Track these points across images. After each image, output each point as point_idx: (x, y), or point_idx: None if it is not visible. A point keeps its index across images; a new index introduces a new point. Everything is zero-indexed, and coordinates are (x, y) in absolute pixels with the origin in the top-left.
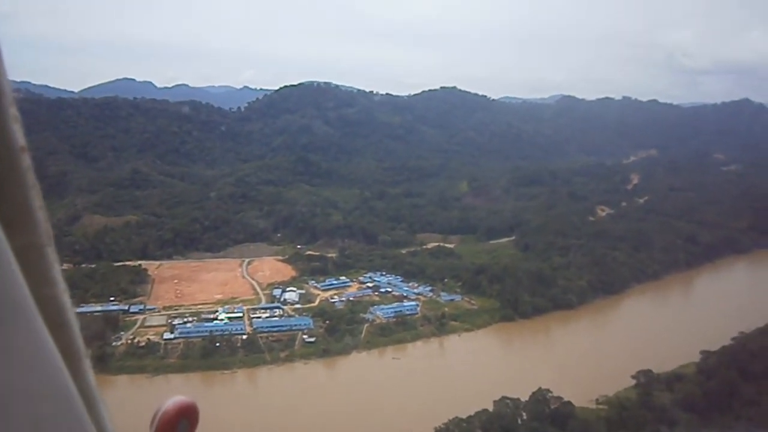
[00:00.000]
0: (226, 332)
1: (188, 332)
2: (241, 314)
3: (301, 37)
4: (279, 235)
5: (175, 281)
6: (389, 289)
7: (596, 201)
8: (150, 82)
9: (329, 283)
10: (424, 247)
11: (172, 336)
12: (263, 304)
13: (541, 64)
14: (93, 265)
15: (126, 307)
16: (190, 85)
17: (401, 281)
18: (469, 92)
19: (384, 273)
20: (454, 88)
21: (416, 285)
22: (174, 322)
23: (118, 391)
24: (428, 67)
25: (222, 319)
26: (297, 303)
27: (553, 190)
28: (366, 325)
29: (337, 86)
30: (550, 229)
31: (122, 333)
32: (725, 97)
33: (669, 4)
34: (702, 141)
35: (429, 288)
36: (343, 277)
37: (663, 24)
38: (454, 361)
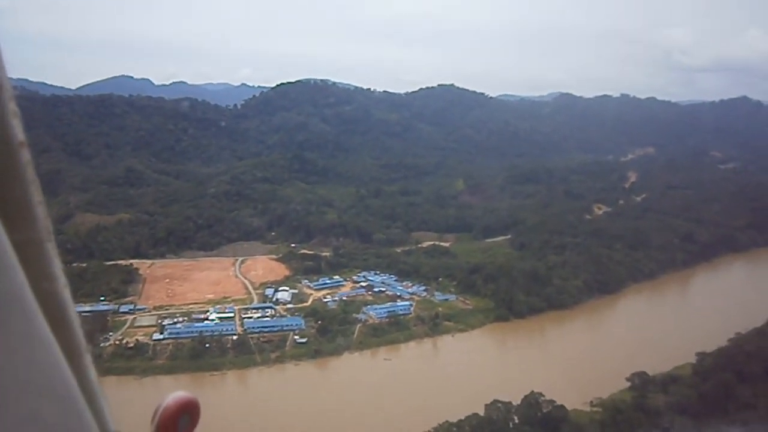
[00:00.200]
0: (217, 333)
1: (178, 333)
2: (232, 314)
3: (300, 35)
4: (273, 233)
5: (167, 280)
6: (383, 289)
7: (593, 199)
8: (147, 80)
9: (322, 282)
10: (419, 245)
11: (161, 336)
12: (255, 303)
13: (540, 61)
14: (84, 264)
15: (116, 307)
16: (188, 82)
17: (395, 280)
18: (467, 90)
19: (378, 272)
20: (452, 85)
21: (410, 284)
22: (164, 323)
23: (105, 393)
24: (426, 65)
25: (213, 320)
26: (289, 303)
27: (549, 188)
28: (359, 326)
29: (334, 83)
30: (546, 227)
31: (111, 333)
32: (723, 95)
33: (667, 3)
34: (700, 139)
35: (423, 287)
36: (337, 277)
37: (661, 22)
38: (446, 363)
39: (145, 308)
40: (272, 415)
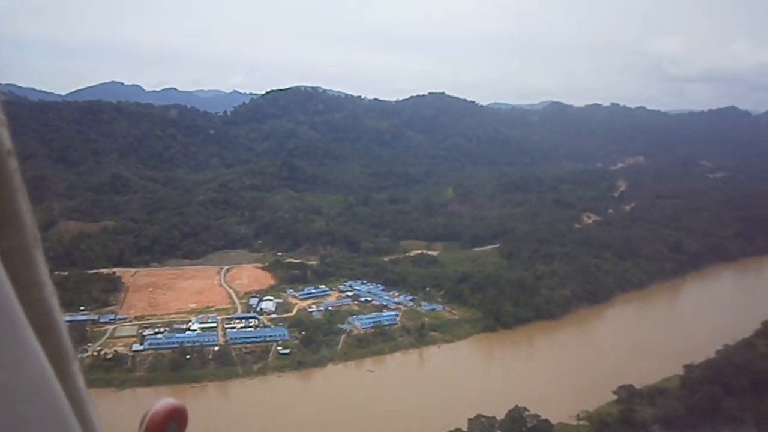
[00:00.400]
0: (198, 343)
1: (158, 343)
2: (214, 324)
3: (293, 42)
4: (260, 241)
5: (150, 289)
6: (369, 299)
7: (582, 208)
8: (138, 86)
9: (308, 291)
10: (407, 254)
11: (141, 347)
12: (239, 313)
13: (531, 70)
14: (65, 273)
15: (96, 317)
16: (179, 89)
17: (382, 290)
18: (458, 98)
19: (365, 281)
20: (443, 93)
21: (397, 294)
22: (144, 333)
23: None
24: (418, 73)
25: (195, 330)
26: (273, 313)
27: (539, 197)
28: (343, 336)
29: (324, 91)
30: (535, 236)
31: (89, 344)
32: (712, 105)
33: (657, 14)
34: (689, 148)
35: (410, 297)
36: (323, 286)
37: (651, 33)
38: (431, 375)
39: (126, 318)
40: (252, 430)
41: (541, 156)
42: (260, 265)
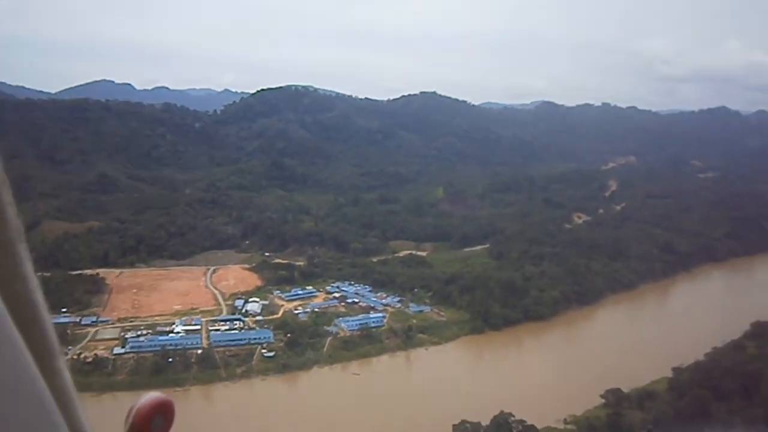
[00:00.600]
0: (181, 346)
1: (140, 346)
2: (199, 326)
3: (284, 41)
4: (248, 242)
5: (134, 291)
6: (356, 300)
7: (573, 208)
8: (129, 84)
9: (295, 293)
10: (396, 255)
11: (122, 350)
12: (224, 315)
13: (523, 70)
14: (48, 274)
15: (77, 319)
16: (170, 87)
17: (369, 291)
18: (449, 97)
19: (352, 282)
20: (434, 93)
21: (385, 295)
22: (126, 336)
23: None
24: (409, 72)
25: (178, 332)
26: (259, 314)
27: (530, 197)
28: (329, 339)
29: (315, 90)
30: (525, 236)
31: (70, 347)
32: (703, 105)
33: (649, 14)
34: (680, 148)
35: (398, 298)
36: (310, 287)
37: (643, 33)
38: (417, 378)
39: (108, 320)
40: None
41: (533, 155)
42: (247, 265)
